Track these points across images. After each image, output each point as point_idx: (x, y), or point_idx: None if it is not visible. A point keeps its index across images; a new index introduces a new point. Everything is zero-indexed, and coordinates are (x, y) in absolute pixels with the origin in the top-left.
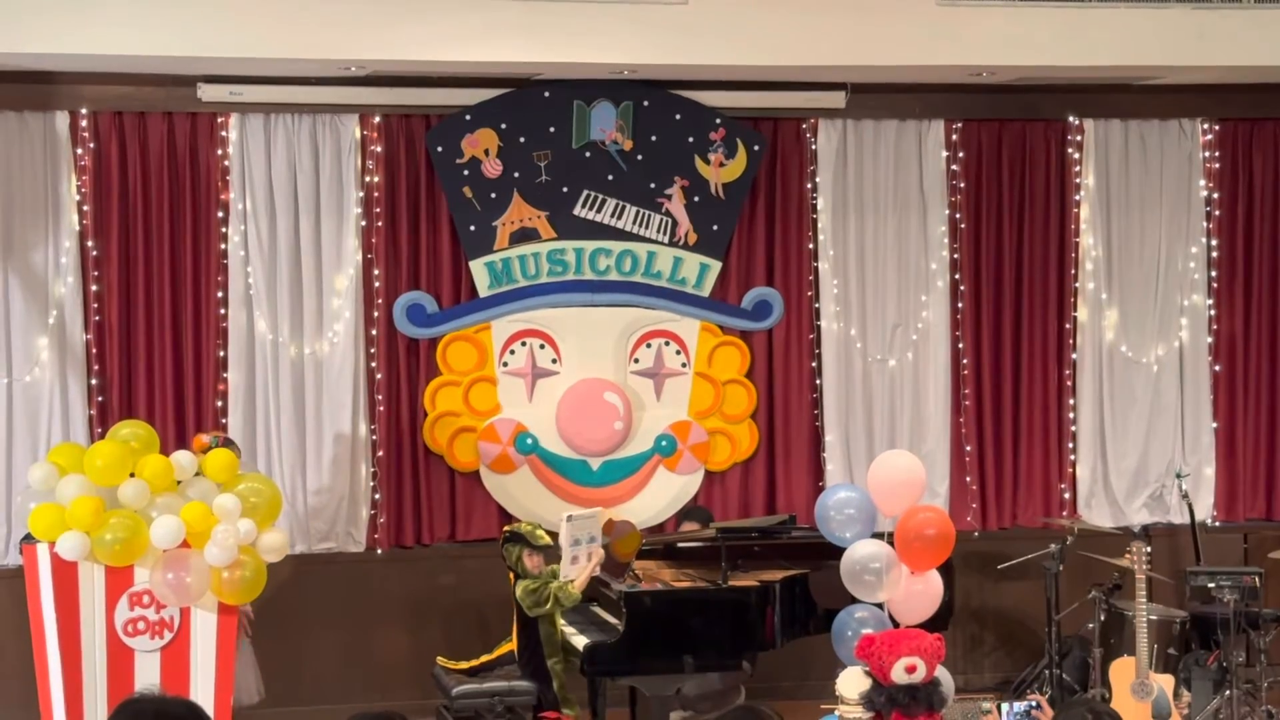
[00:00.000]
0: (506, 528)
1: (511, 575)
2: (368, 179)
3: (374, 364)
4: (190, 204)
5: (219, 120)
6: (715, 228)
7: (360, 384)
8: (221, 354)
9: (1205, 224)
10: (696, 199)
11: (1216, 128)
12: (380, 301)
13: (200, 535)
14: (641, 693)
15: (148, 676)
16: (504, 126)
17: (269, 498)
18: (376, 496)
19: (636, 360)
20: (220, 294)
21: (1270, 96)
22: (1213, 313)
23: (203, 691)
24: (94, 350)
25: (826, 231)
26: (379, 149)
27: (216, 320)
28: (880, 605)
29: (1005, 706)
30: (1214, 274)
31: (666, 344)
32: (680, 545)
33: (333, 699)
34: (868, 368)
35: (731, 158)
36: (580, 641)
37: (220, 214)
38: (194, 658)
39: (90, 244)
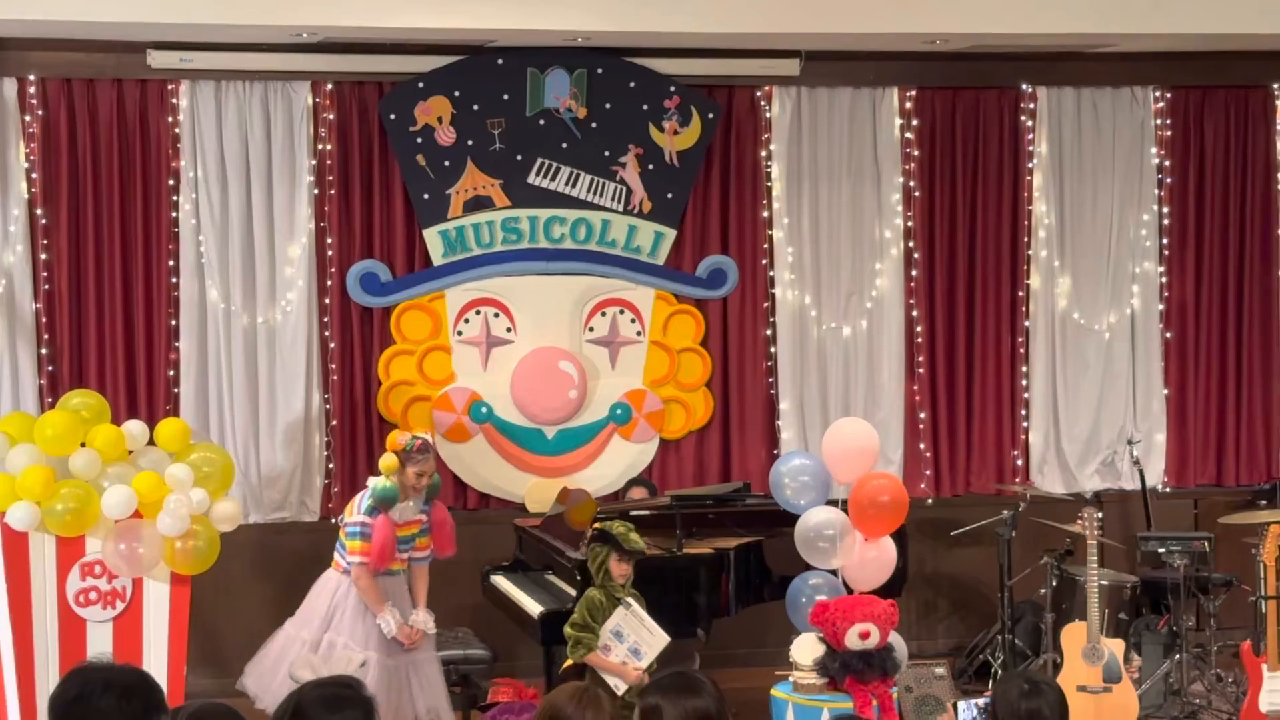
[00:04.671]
0: (596, 525)
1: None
2: (320, 147)
3: (327, 333)
4: (141, 172)
5: (169, 87)
6: (670, 196)
7: (313, 353)
8: (173, 323)
9: (1157, 191)
10: (651, 167)
11: (1168, 95)
12: (333, 270)
13: (152, 505)
14: None
15: (100, 647)
16: (457, 94)
17: (221, 467)
18: (330, 466)
19: (591, 329)
20: (171, 263)
21: (1221, 64)
22: (1164, 280)
23: (155, 662)
24: (44, 319)
25: (781, 199)
26: (331, 117)
27: (168, 289)
28: (834, 572)
29: (961, 705)
30: (1165, 241)
31: (621, 312)
32: (635, 513)
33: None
34: (822, 335)
35: (686, 125)
36: (535, 610)
37: (171, 182)
38: (146, 628)
39: (39, 212)
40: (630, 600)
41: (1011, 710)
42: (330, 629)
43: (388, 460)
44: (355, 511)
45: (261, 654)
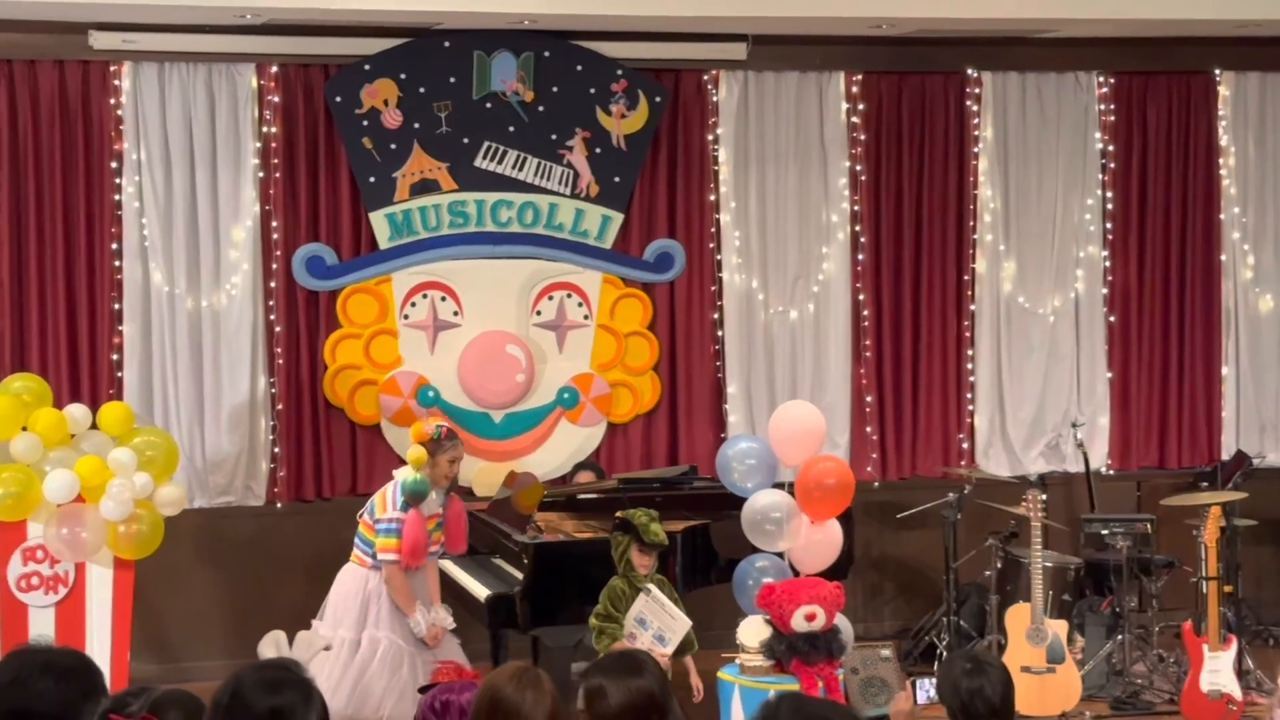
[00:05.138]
0: (619, 513)
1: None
2: (265, 129)
3: (273, 316)
4: (83, 154)
5: (112, 69)
6: (617, 179)
7: (259, 337)
8: (116, 306)
9: (1101, 176)
10: (598, 151)
11: (1112, 81)
12: (279, 253)
13: (95, 489)
14: (543, 644)
15: (42, 632)
16: (404, 77)
17: (165, 451)
18: (276, 450)
19: (538, 313)
20: (115, 245)
21: (1164, 49)
22: (1108, 264)
23: (98, 647)
24: None
25: (728, 183)
26: (276, 99)
27: (111, 272)
28: (781, 554)
29: (919, 683)
30: (1109, 226)
31: (568, 296)
32: (582, 497)
33: (233, 653)
34: (769, 319)
35: (633, 109)
36: (482, 593)
37: (114, 164)
38: (89, 613)
39: None
40: (651, 586)
41: (954, 688)
42: (369, 625)
43: (416, 452)
44: (388, 507)
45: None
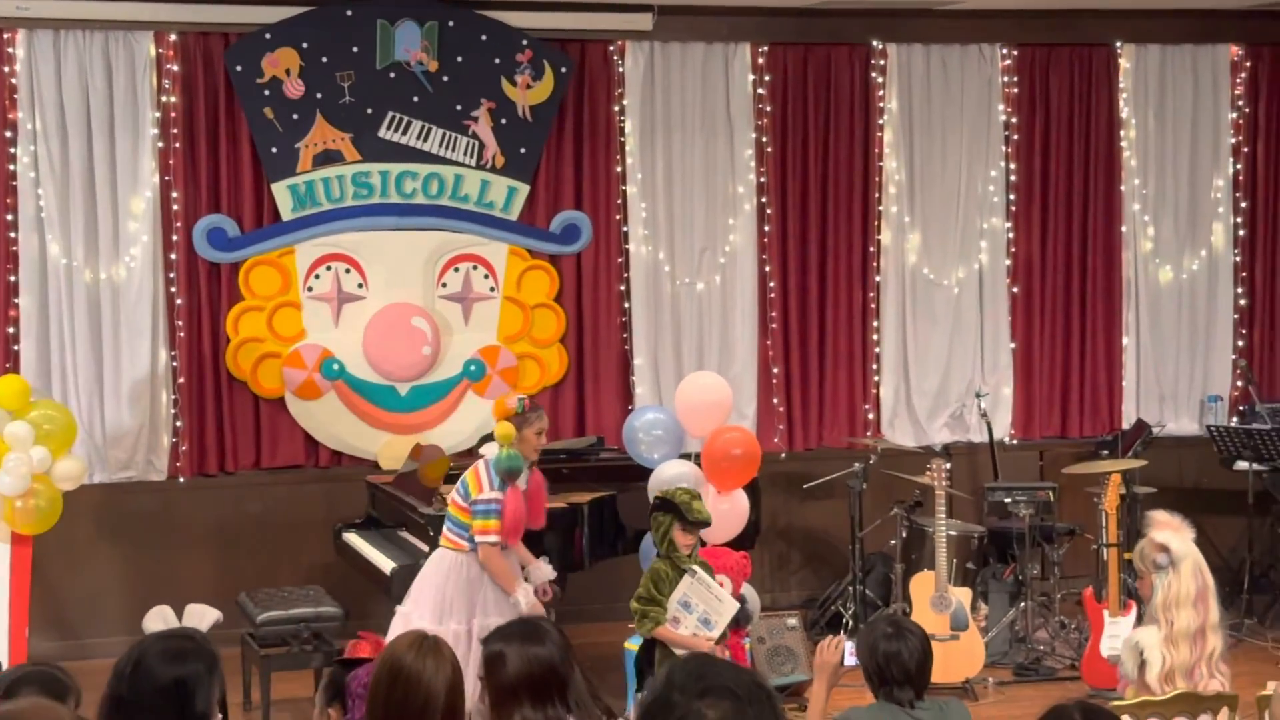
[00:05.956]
0: (659, 493)
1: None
2: (164, 99)
3: (173, 289)
4: None
5: (5, 36)
6: (523, 151)
7: (159, 309)
8: (12, 279)
9: (1004, 148)
10: (504, 121)
11: (1015, 53)
12: (179, 225)
13: None
14: None
15: None
16: (305, 46)
17: (63, 425)
18: (178, 424)
19: (444, 285)
20: (10, 217)
21: (1066, 21)
22: (1011, 235)
23: None
24: None
25: (634, 155)
26: (175, 68)
27: (6, 244)
28: None
29: (848, 644)
30: (1012, 198)
31: (474, 268)
32: None
33: (134, 630)
34: (676, 291)
35: (538, 80)
36: (387, 566)
37: (9, 134)
38: None
39: None
40: (696, 568)
41: (871, 651)
42: (478, 614)
43: (504, 429)
44: (485, 487)
45: None
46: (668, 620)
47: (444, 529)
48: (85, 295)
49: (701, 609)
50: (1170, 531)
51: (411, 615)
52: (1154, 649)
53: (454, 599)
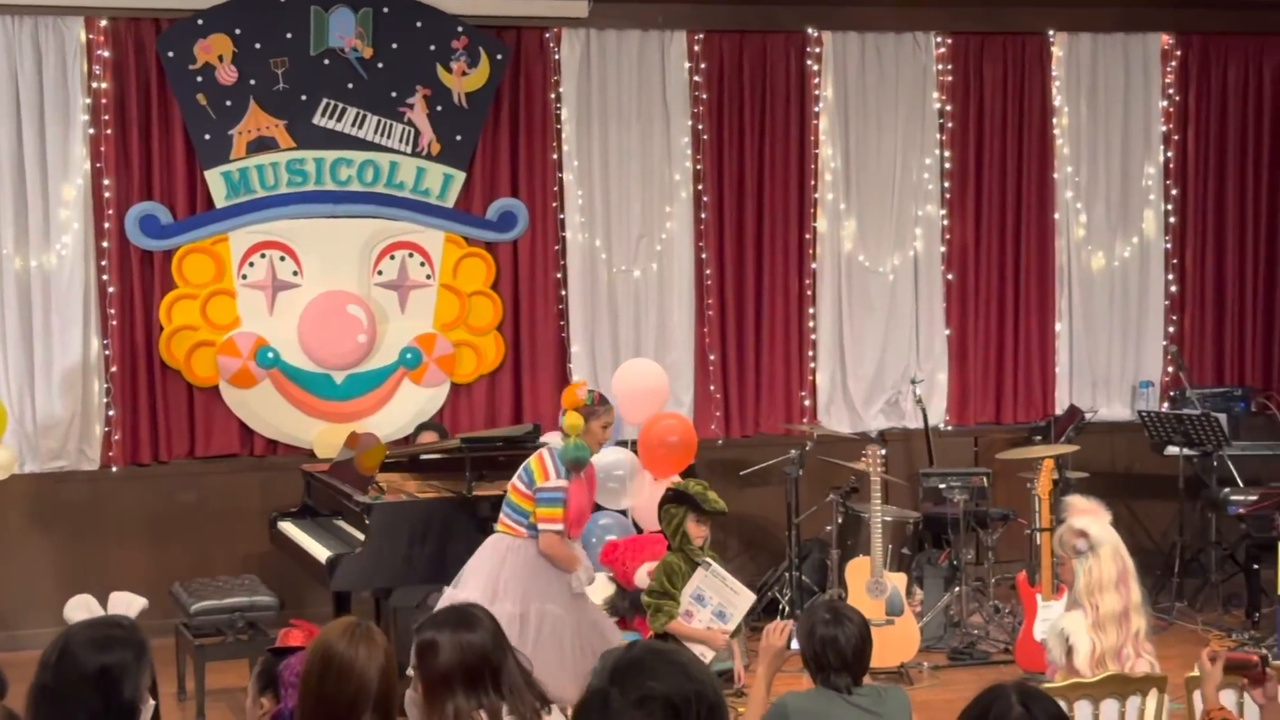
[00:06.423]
0: (670, 485)
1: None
2: (95, 85)
3: (105, 277)
4: None
5: None
6: (459, 138)
7: (91, 298)
8: None
9: (939, 136)
10: (439, 108)
11: (949, 41)
12: (111, 212)
13: None
14: (387, 605)
15: None
16: (238, 32)
17: None
18: (111, 413)
19: (380, 272)
20: None
21: (1000, 11)
22: (946, 223)
23: None
24: None
25: (571, 142)
26: (107, 54)
27: None
28: (624, 512)
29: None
30: (947, 185)
31: (410, 256)
32: (424, 457)
33: (64, 621)
34: (613, 278)
35: (474, 67)
36: (322, 555)
37: None
38: None
39: None
40: (710, 560)
41: (809, 636)
42: (535, 599)
43: (573, 419)
44: (551, 475)
45: None
46: (680, 614)
47: (501, 514)
48: (15, 283)
49: (716, 601)
50: (1089, 517)
51: (458, 597)
52: (1081, 635)
53: (508, 582)
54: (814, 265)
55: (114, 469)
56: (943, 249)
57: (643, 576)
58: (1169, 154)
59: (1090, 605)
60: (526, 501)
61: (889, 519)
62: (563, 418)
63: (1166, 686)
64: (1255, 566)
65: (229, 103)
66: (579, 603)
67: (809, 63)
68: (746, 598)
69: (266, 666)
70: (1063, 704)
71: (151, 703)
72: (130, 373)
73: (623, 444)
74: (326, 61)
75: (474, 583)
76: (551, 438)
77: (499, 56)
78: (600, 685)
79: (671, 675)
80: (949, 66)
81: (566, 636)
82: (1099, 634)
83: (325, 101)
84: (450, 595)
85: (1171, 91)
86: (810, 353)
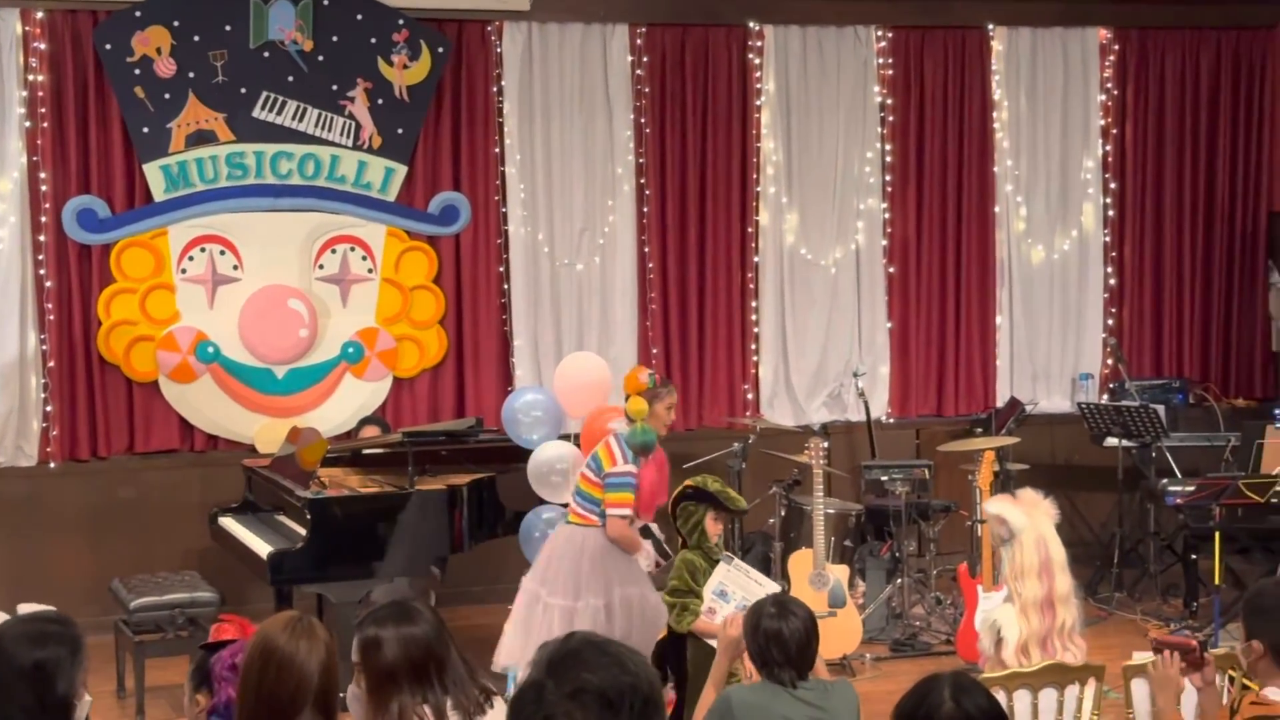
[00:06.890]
0: (688, 482)
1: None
2: (31, 77)
3: (43, 271)
4: None
5: None
6: (400, 131)
7: (28, 292)
8: None
9: (880, 129)
10: (380, 101)
11: (890, 35)
12: (48, 206)
13: None
14: (329, 600)
15: None
16: (177, 24)
17: None
18: (48, 409)
19: (321, 266)
20: None
21: (940, 5)
22: (887, 216)
23: None
24: None
25: (513, 135)
26: (43, 46)
27: None
28: (567, 506)
29: None
30: (888, 178)
31: (352, 249)
32: (367, 452)
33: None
34: (555, 272)
35: (415, 60)
36: (264, 550)
37: None
38: None
39: None
40: (731, 555)
41: (754, 630)
42: (616, 585)
43: (637, 404)
44: (619, 461)
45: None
46: (704, 611)
47: (572, 504)
48: None
49: (740, 596)
50: (1008, 504)
51: (541, 593)
52: (1010, 624)
53: (589, 575)
54: (756, 258)
55: (52, 465)
56: (884, 242)
57: None
58: (1107, 148)
59: (1015, 592)
60: (596, 489)
61: (831, 511)
62: (626, 403)
63: (1103, 675)
64: (1193, 557)
65: (168, 96)
66: (648, 582)
67: (751, 56)
68: (772, 588)
69: (200, 663)
70: (1002, 693)
71: (87, 699)
72: (68, 368)
73: (565, 438)
74: (266, 54)
75: (555, 579)
76: (617, 424)
77: (440, 49)
78: (536, 677)
79: (606, 668)
80: (890, 60)
81: (648, 614)
82: (1024, 620)
83: (265, 94)
84: (528, 591)
85: (1110, 86)
86: (753, 346)
